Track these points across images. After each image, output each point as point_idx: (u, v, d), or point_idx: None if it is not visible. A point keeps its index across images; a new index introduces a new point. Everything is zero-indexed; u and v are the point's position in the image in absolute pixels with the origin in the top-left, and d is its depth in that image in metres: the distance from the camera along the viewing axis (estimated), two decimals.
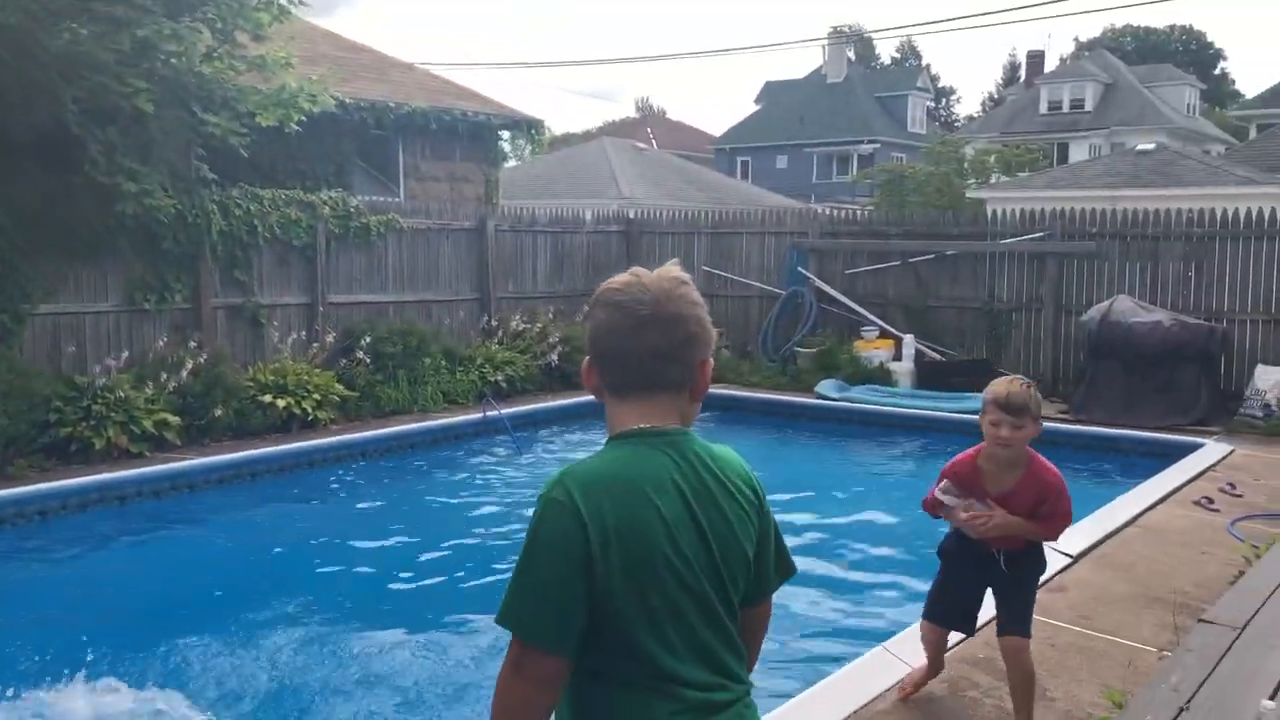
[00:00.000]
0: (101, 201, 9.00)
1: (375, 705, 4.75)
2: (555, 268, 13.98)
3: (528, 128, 16.00)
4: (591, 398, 1.88)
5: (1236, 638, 4.06)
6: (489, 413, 10.74)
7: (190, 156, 9.78)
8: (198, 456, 8.80)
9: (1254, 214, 11.24)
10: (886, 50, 70.20)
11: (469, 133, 14.91)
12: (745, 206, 19.35)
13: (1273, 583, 4.78)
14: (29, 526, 7.40)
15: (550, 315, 13.31)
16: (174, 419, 9.03)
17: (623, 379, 1.81)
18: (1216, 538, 6.53)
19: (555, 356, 12.57)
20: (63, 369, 9.14)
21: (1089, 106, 40.25)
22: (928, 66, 61.82)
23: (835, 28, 51.33)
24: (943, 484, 3.73)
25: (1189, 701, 3.49)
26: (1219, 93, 53.86)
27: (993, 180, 27.77)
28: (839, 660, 4.82)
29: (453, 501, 8.68)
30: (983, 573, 3.77)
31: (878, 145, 46.12)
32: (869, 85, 51.62)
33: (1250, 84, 75.44)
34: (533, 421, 11.14)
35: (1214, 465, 8.57)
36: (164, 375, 9.37)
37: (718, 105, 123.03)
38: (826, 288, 13.44)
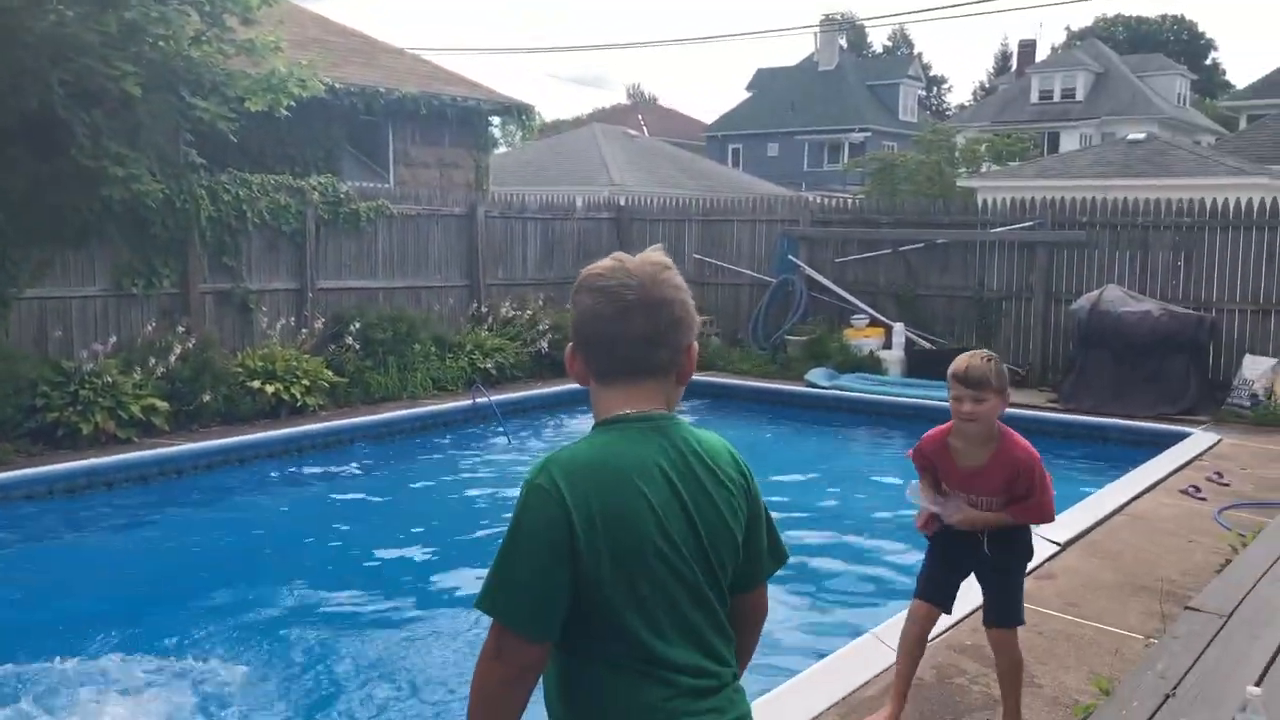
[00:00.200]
0: (88, 185, 8.94)
1: (358, 689, 4.75)
2: (545, 255, 13.95)
3: (518, 113, 15.92)
4: (580, 385, 1.87)
5: (1223, 625, 4.08)
6: (479, 400, 10.73)
7: (179, 141, 9.72)
8: (186, 442, 8.77)
9: (1244, 204, 11.27)
10: (878, 38, 70.24)
11: (459, 118, 14.85)
12: (736, 194, 19.33)
13: (1258, 571, 4.81)
14: (16, 511, 7.36)
15: (540, 302, 13.29)
16: (162, 404, 9.00)
17: (609, 364, 1.80)
18: (1203, 526, 6.57)
19: (545, 344, 12.55)
20: (49, 353, 9.09)
21: (1080, 96, 40.28)
22: (919, 55, 61.78)
23: (827, 15, 51.06)
24: (910, 486, 3.69)
25: (1175, 688, 3.50)
26: (1210, 83, 53.93)
27: (983, 169, 27.79)
28: (828, 647, 4.83)
29: (441, 488, 8.67)
30: (967, 552, 3.68)
31: (869, 133, 46.10)
32: (861, 73, 51.55)
33: (1241, 74, 75.66)
34: (522, 408, 11.13)
35: (1202, 454, 8.61)
36: (152, 360, 9.32)
37: (709, 92, 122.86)
38: (817, 276, 13.44)
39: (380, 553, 6.87)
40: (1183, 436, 9.25)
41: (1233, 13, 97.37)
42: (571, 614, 1.67)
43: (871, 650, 4.46)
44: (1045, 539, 6.11)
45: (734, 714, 1.78)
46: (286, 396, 9.82)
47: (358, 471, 9.08)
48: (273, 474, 8.78)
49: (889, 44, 67.91)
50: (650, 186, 27.47)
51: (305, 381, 10.02)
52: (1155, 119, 36.99)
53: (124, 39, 8.72)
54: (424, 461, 9.63)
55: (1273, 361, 10.56)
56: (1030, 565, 5.60)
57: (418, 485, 8.86)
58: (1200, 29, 57.31)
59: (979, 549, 3.63)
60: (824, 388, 11.70)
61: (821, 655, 4.65)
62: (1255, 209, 11.13)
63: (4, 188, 8.64)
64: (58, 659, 4.87)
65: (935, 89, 67.92)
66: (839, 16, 53.57)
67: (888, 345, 12.48)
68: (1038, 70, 42.24)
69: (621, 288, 1.76)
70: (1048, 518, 3.66)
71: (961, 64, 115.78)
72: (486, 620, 1.69)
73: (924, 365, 12.02)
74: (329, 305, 11.35)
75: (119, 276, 9.69)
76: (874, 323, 12.90)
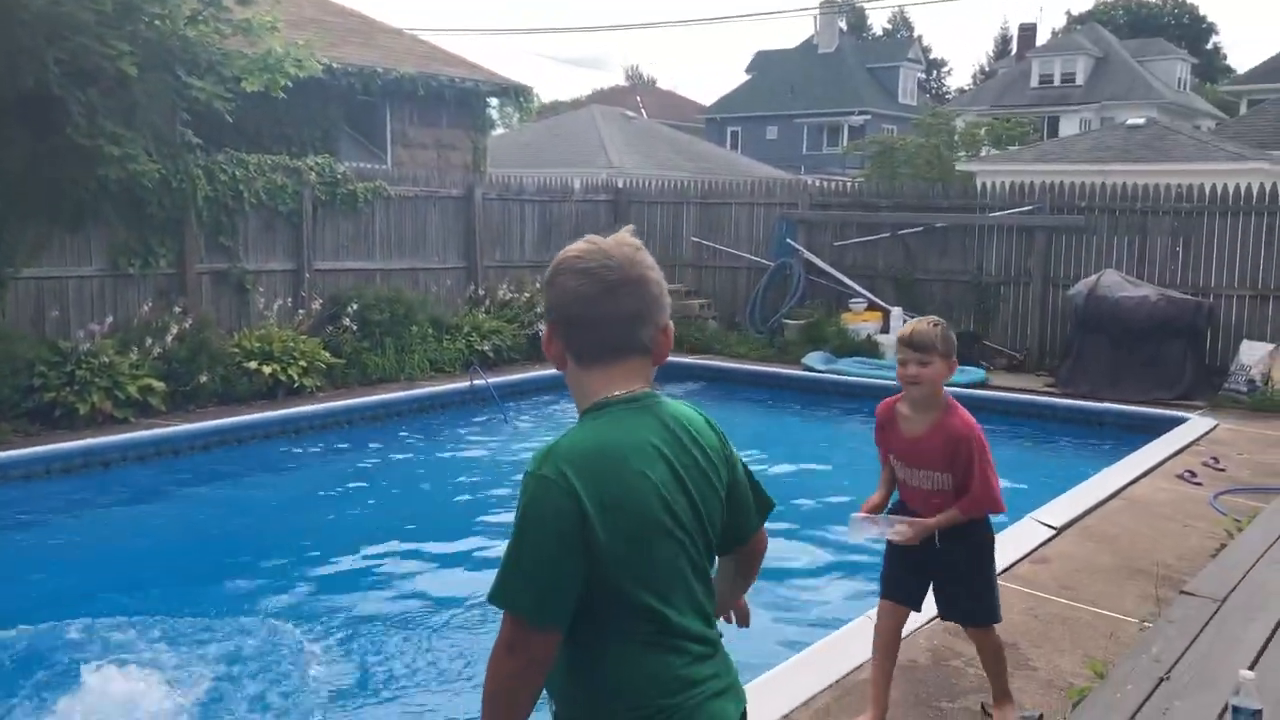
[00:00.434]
0: (85, 165, 8.90)
1: (351, 669, 4.76)
2: (543, 237, 13.91)
3: (516, 95, 15.87)
4: (557, 369, 1.89)
5: (1217, 609, 4.10)
6: (476, 382, 10.72)
7: (175, 121, 9.67)
8: (183, 423, 8.76)
9: (1243, 189, 11.26)
10: (878, 21, 70.08)
11: (457, 99, 14.79)
12: (734, 177, 19.28)
13: (1254, 556, 4.83)
14: (13, 490, 7.37)
15: (537, 285, 13.25)
16: (159, 385, 8.99)
17: (593, 346, 1.82)
18: (1199, 511, 6.58)
19: (542, 326, 12.51)
20: (46, 333, 9.07)
21: (1080, 80, 40.15)
22: (919, 38, 61.53)
23: None
24: (851, 522, 3.58)
25: (1169, 671, 3.52)
26: (1210, 67, 53.75)
27: (983, 153, 27.74)
28: (823, 629, 4.85)
29: (438, 470, 8.67)
30: (924, 550, 3.59)
31: (868, 117, 45.97)
32: (860, 56, 51.37)
33: (1242, 59, 75.55)
34: (519, 391, 11.13)
35: (1198, 439, 8.62)
36: (148, 341, 9.31)
37: (708, 74, 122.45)
38: (815, 259, 13.43)
39: (377, 533, 6.87)
40: (1179, 422, 9.27)
41: None
42: (583, 597, 1.70)
43: (866, 632, 4.45)
44: (1041, 523, 6.14)
45: (729, 678, 1.85)
46: (284, 377, 9.81)
47: (355, 453, 9.08)
48: (270, 455, 8.78)
49: (889, 27, 67.64)
50: (648, 169, 27.41)
51: (302, 362, 10.01)
52: (1155, 103, 36.89)
53: (119, 17, 8.67)
54: (421, 443, 9.63)
55: (1270, 347, 10.58)
56: (1025, 549, 5.68)
57: (415, 467, 8.86)
58: (1201, 13, 57.05)
59: (930, 541, 3.56)
60: (821, 371, 11.71)
61: (816, 637, 4.66)
62: (1254, 194, 11.12)
63: (0, 166, 8.59)
64: (51, 636, 4.89)
65: (935, 72, 67.72)
66: None
67: (885, 329, 12.47)
68: (1038, 54, 42.10)
69: (603, 268, 1.78)
70: (995, 506, 3.53)
71: (961, 47, 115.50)
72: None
73: None
74: (326, 286, 11.33)
75: (115, 256, 9.66)
76: (872, 306, 12.90)
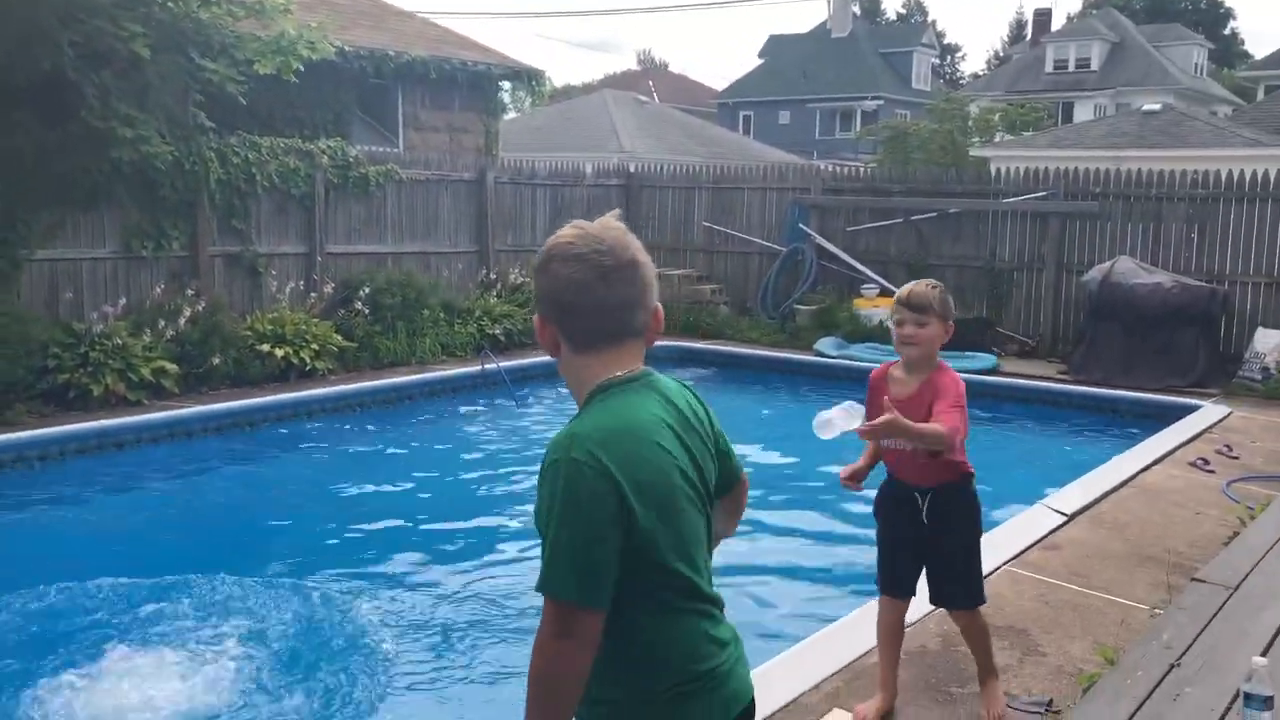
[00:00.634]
0: (98, 147, 8.93)
1: (362, 650, 4.78)
2: (554, 221, 13.84)
3: (528, 78, 15.83)
4: (550, 356, 1.90)
5: (1229, 597, 4.10)
6: (487, 365, 10.74)
7: (188, 103, 9.68)
8: (195, 405, 8.80)
9: (1259, 176, 11.18)
10: (892, 5, 69.53)
11: (469, 83, 14.76)
12: (747, 162, 19.23)
13: (1267, 543, 4.82)
14: (28, 471, 7.42)
15: None
16: (172, 367, 9.02)
17: (593, 331, 1.83)
18: (1212, 499, 6.56)
19: None
20: (60, 315, 9.11)
21: (1095, 66, 39.86)
22: (934, 23, 61.10)
23: None
24: (817, 419, 3.28)
25: (1180, 658, 3.52)
26: (1228, 53, 53.31)
27: (997, 139, 27.61)
28: (833, 614, 4.85)
29: (449, 453, 8.70)
30: (906, 524, 3.58)
31: (881, 102, 45.76)
32: (874, 41, 51.10)
33: (1259, 45, 74.82)
34: (530, 375, 11.13)
35: (1211, 427, 8.58)
36: (161, 323, 9.34)
37: (721, 59, 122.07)
38: (827, 245, 13.39)
39: (388, 516, 6.90)
40: (1192, 409, 9.23)
41: None
42: (619, 574, 1.74)
43: (876, 616, 4.46)
44: (1052, 510, 6.13)
45: (737, 641, 1.93)
46: (296, 360, 9.84)
47: (367, 436, 9.11)
48: (282, 437, 8.82)
49: (903, 11, 67.23)
50: (660, 153, 27.35)
51: (314, 346, 10.04)
52: (1171, 89, 36.63)
53: (133, 0, 8.67)
54: (432, 426, 9.66)
55: None
56: (1036, 536, 5.67)
57: (426, 450, 8.89)
58: None
59: (917, 516, 3.54)
60: (833, 357, 11.68)
61: (826, 621, 4.67)
62: (1271, 181, 11.03)
63: (14, 149, 8.63)
64: (65, 615, 4.93)
65: (949, 57, 67.29)
66: None
67: None
68: (1053, 39, 41.80)
69: (595, 254, 1.79)
70: (950, 436, 3.29)
71: (976, 32, 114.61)
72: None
73: None
74: (338, 270, 11.35)
75: (128, 239, 9.68)
76: (884, 292, 12.84)
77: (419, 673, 4.62)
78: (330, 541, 6.45)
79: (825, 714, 3.75)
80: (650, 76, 60.45)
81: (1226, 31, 55.93)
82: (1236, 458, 7.61)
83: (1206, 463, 7.37)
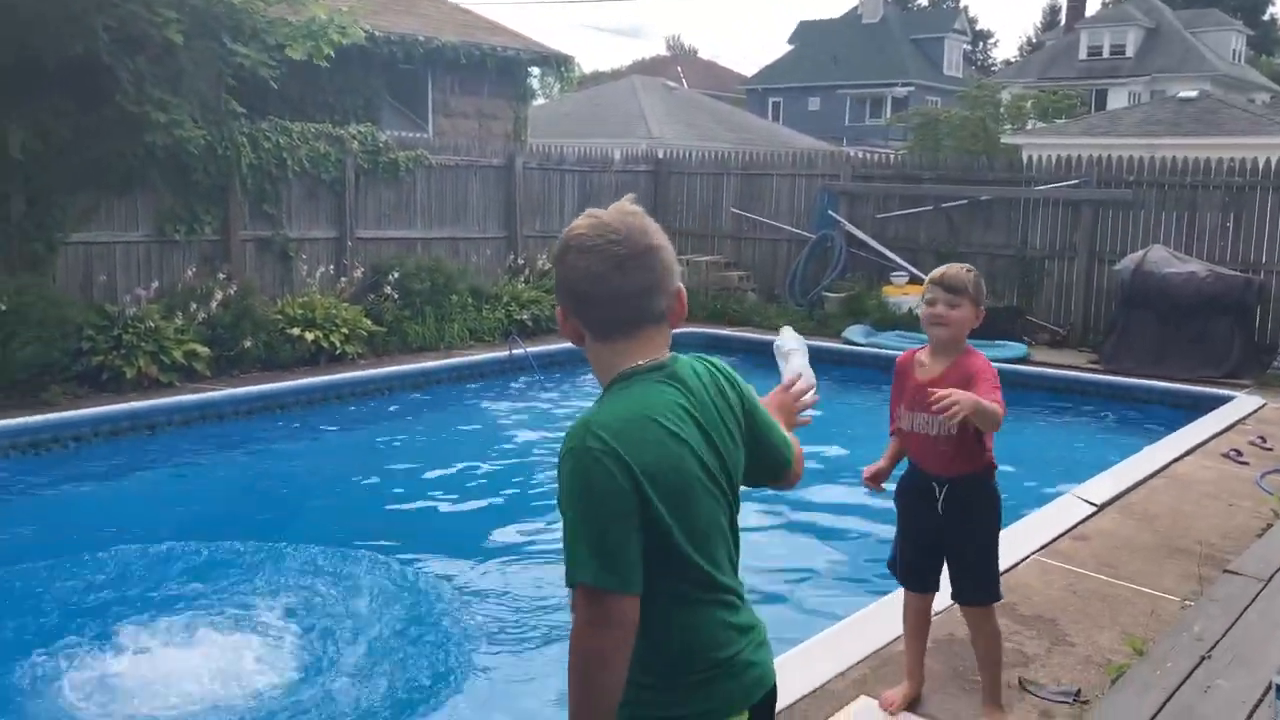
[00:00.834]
0: (132, 132, 9.02)
1: (392, 634, 4.82)
2: (582, 207, 13.39)
3: (557, 64, 15.82)
4: (575, 345, 1.91)
5: (1262, 589, 4.06)
6: (515, 351, 10.78)
7: (220, 88, 9.76)
8: (227, 388, 8.89)
9: None
10: None
11: (498, 68, 14.77)
12: (776, 148, 19.14)
13: None
14: (64, 452, 7.52)
15: None
16: (203, 350, 9.11)
17: (611, 321, 1.83)
18: (1244, 490, 6.50)
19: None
20: (94, 298, 9.22)
21: (1130, 52, 39.33)
22: (965, 9, 60.48)
23: None
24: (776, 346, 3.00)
25: (1211, 650, 3.49)
26: (1267, 39, 52.51)
27: (1029, 126, 27.34)
28: (860, 602, 4.84)
29: (478, 437, 8.74)
30: (923, 515, 3.53)
31: (912, 88, 45.41)
32: (905, 27, 50.69)
33: None
34: (557, 361, 11.15)
35: (1244, 418, 8.49)
36: (193, 306, 9.44)
37: (750, 45, 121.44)
38: (857, 232, 13.32)
39: (417, 498, 6.96)
40: (1225, 400, 9.13)
41: None
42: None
43: (902, 605, 4.46)
44: (1082, 500, 6.09)
45: (759, 627, 1.93)
46: (326, 344, 9.92)
47: (396, 419, 9.17)
48: (312, 420, 8.89)
49: None
50: (689, 139, 27.27)
51: (344, 330, 10.11)
52: (1208, 76, 36.10)
53: None
54: (460, 410, 9.70)
55: None
56: (1065, 526, 5.64)
57: (454, 434, 8.94)
58: None
59: (934, 507, 3.48)
60: (861, 345, 11.63)
61: (855, 608, 4.66)
62: None
63: (50, 134, 8.73)
64: (94, 599, 5.00)
65: (981, 44, 66.60)
66: None
67: None
68: (1087, 25, 41.25)
69: (609, 244, 1.78)
70: (996, 410, 3.19)
71: (1008, 18, 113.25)
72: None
73: None
74: (367, 255, 11.41)
75: (161, 222, 9.78)
76: (913, 280, 12.76)
77: (444, 648, 4.66)
78: (360, 523, 6.49)
79: (852, 700, 3.75)
80: (679, 63, 60.27)
81: (1266, 18, 55.04)
82: (1270, 449, 7.52)
83: (1239, 454, 7.29)
